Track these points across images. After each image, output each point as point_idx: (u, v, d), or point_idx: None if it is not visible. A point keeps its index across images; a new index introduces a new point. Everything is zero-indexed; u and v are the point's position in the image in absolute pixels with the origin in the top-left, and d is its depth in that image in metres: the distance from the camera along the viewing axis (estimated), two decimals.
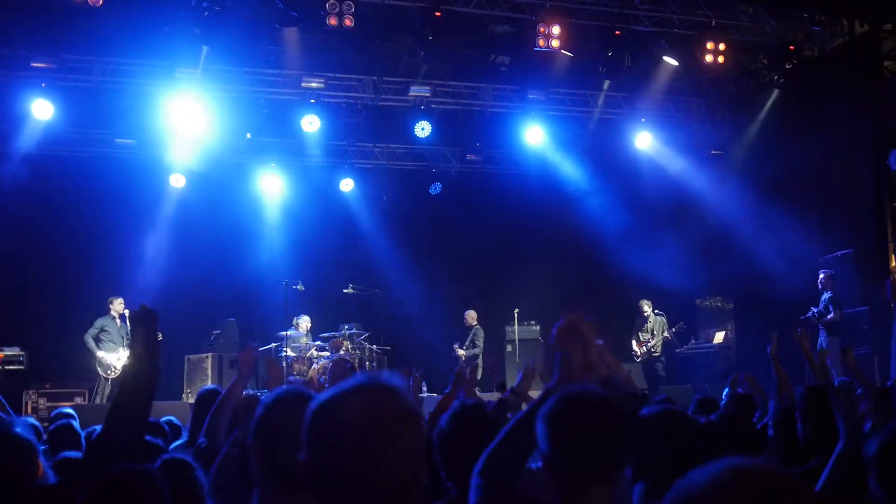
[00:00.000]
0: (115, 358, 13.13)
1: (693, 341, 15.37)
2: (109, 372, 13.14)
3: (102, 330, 13.26)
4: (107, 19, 10.80)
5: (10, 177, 13.63)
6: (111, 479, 2.63)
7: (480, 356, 15.21)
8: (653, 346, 14.70)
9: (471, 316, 15.57)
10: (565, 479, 2.38)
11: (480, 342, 15.39)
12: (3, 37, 11.54)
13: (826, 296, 12.66)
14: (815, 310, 12.67)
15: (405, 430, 1.71)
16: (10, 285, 13.99)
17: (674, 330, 14.79)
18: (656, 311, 14.95)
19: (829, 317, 12.44)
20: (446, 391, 5.72)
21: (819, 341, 12.43)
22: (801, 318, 12.67)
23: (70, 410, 6.81)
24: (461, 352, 15.23)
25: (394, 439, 1.69)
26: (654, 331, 14.82)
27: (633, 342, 14.95)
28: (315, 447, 1.72)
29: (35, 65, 12.33)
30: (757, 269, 14.48)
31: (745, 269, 15.02)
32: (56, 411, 7.23)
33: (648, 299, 15.07)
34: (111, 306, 13.37)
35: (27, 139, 13.59)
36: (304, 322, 14.57)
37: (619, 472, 2.46)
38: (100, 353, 13.11)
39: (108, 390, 13.09)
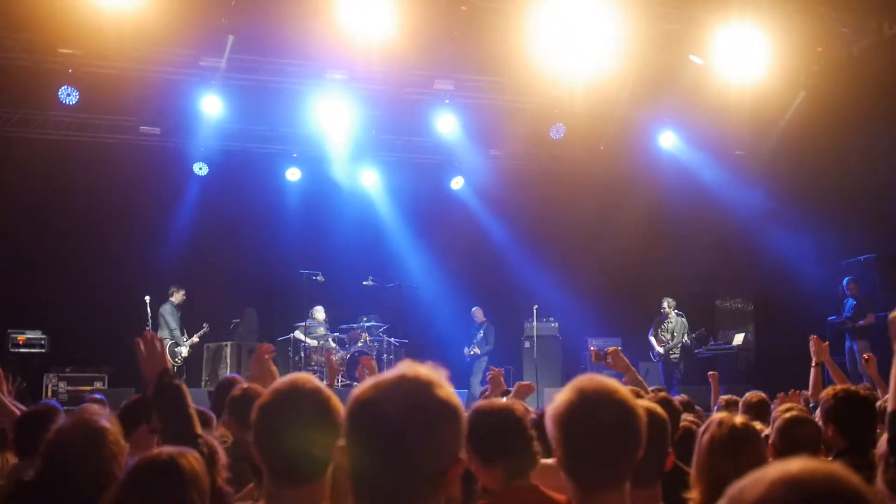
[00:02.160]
0: (180, 346, 13.90)
1: (712, 342, 15.30)
2: (177, 359, 13.74)
3: (171, 318, 13.85)
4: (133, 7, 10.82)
5: (35, 162, 13.73)
6: (147, 464, 2.66)
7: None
8: (672, 348, 14.67)
9: (479, 312, 15.65)
10: (579, 481, 2.33)
11: (493, 338, 15.46)
12: (30, 22, 11.58)
13: (853, 302, 12.61)
14: (846, 314, 12.62)
15: (445, 423, 1.72)
16: (32, 269, 14.12)
17: (695, 335, 14.74)
18: (677, 311, 14.89)
19: (861, 322, 12.41)
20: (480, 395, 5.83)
21: (847, 346, 12.38)
22: (830, 319, 12.64)
23: (100, 396, 6.90)
24: (476, 349, 15.31)
25: (433, 431, 1.70)
26: (674, 332, 14.77)
27: (653, 339, 14.92)
28: (354, 436, 1.73)
29: (62, 51, 12.40)
30: (778, 271, 14.41)
31: (765, 271, 14.96)
32: (88, 396, 7.37)
33: (671, 298, 15.02)
34: (175, 296, 13.97)
35: (52, 125, 13.69)
36: (319, 313, 14.66)
37: (646, 476, 2.41)
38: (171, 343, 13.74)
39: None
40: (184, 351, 13.87)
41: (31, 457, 4.24)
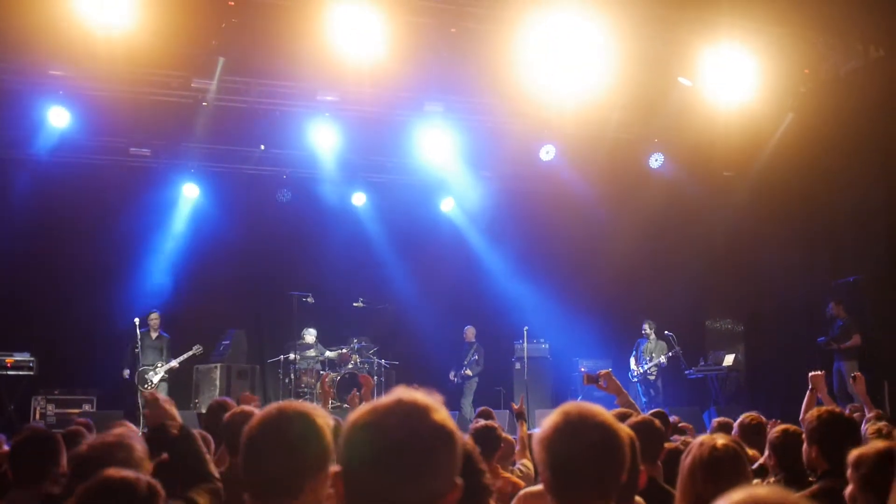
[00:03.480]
0: (151, 372, 13.54)
1: (702, 363, 15.33)
2: (146, 385, 13.45)
3: (139, 344, 13.57)
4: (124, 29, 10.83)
5: (25, 183, 13.72)
6: (99, 484, 2.66)
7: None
8: (648, 369, 14.84)
9: (471, 332, 15.64)
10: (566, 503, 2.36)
11: (482, 360, 15.45)
12: (22, 44, 11.60)
13: (840, 323, 12.66)
14: (832, 335, 12.67)
15: (441, 447, 1.72)
16: (21, 290, 14.07)
17: (670, 354, 14.83)
18: (667, 332, 14.97)
19: (848, 343, 12.45)
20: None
21: (835, 366, 12.41)
22: (819, 340, 12.69)
23: (87, 420, 6.88)
24: (469, 371, 15.31)
25: (430, 456, 1.70)
26: (653, 353, 14.97)
27: (632, 361, 15.08)
28: (351, 461, 1.73)
29: (53, 72, 12.41)
30: (767, 292, 14.46)
31: (755, 292, 15.00)
32: (75, 419, 7.36)
33: (653, 320, 15.16)
34: (148, 322, 13.78)
35: (42, 146, 13.66)
36: (310, 335, 14.64)
37: (619, 495, 2.43)
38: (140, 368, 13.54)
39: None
40: (155, 378, 13.55)
41: (27, 486, 4.18)
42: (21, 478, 4.20)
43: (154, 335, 13.86)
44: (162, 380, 13.65)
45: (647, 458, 3.84)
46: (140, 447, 3.29)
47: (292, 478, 2.35)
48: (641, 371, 14.95)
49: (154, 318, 13.87)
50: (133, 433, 3.40)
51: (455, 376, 15.31)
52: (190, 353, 13.88)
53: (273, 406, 2.49)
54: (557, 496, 2.36)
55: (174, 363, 13.78)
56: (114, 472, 2.69)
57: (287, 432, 2.38)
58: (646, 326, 15.18)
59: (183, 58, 12.12)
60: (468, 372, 15.31)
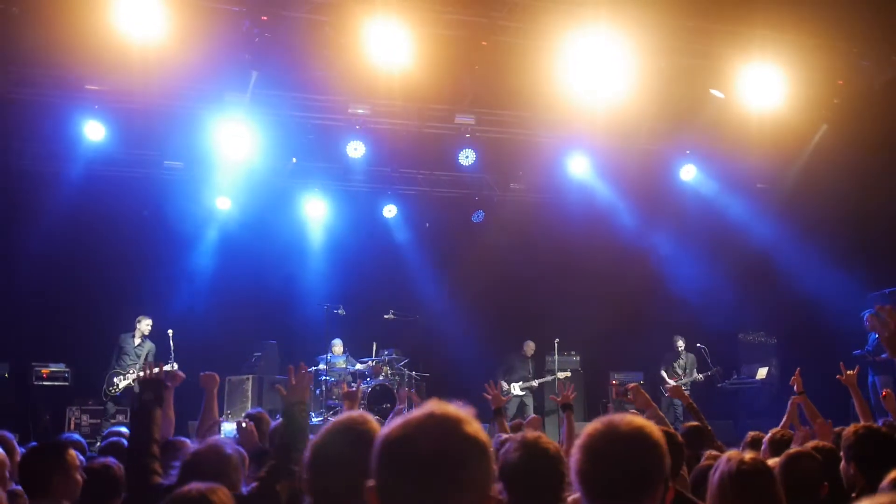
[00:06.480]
0: (121, 378, 13.29)
1: (735, 376, 15.19)
2: (112, 389, 13.23)
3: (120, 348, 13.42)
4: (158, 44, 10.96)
5: (60, 196, 13.88)
6: (178, 499, 2.73)
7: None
8: (685, 384, 14.71)
9: (531, 347, 15.71)
10: None
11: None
12: (58, 60, 11.77)
13: (876, 335, 12.50)
14: (868, 348, 12.52)
15: (474, 459, 1.73)
16: (57, 302, 14.22)
17: (709, 373, 14.72)
18: (699, 345, 14.86)
19: (884, 355, 12.29)
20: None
21: (870, 380, 12.27)
22: (855, 353, 12.54)
23: (123, 429, 6.89)
24: (534, 383, 15.41)
25: (463, 468, 1.71)
26: (686, 368, 14.85)
27: (665, 374, 14.96)
28: (385, 475, 1.74)
29: (88, 87, 12.58)
30: (801, 305, 14.32)
31: (789, 304, 14.86)
32: (109, 430, 7.41)
33: (684, 335, 15.08)
34: (139, 325, 13.51)
35: (77, 159, 13.82)
36: (337, 346, 14.67)
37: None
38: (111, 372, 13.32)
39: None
40: (122, 383, 13.18)
41: (38, 499, 4.22)
42: (30, 491, 4.26)
43: (137, 341, 13.51)
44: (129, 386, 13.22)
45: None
46: (234, 455, 3.78)
47: (349, 485, 2.37)
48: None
49: (147, 323, 13.53)
50: (226, 440, 3.91)
51: (518, 388, 15.35)
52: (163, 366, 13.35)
53: (338, 419, 2.61)
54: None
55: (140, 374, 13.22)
56: (190, 488, 2.85)
57: (343, 443, 2.48)
58: (679, 342, 15.11)
59: (217, 72, 12.25)
60: (534, 383, 15.41)
